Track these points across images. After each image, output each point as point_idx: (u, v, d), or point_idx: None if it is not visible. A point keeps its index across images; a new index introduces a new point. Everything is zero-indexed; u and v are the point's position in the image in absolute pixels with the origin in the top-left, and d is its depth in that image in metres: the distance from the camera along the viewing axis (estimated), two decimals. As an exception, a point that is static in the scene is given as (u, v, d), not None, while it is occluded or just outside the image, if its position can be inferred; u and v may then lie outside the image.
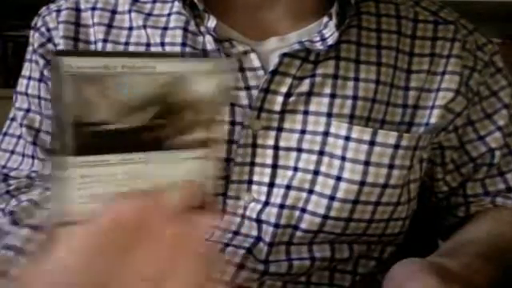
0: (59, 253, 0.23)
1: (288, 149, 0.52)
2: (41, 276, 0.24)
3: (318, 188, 0.52)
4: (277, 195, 0.52)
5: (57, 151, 0.23)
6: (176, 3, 0.55)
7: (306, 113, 0.52)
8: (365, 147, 0.51)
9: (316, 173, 0.52)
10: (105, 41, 0.55)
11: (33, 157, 0.57)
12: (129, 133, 0.24)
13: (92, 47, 0.55)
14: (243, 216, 0.53)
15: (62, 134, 0.22)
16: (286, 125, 0.52)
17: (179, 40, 0.53)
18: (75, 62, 0.21)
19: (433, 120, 0.55)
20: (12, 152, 0.59)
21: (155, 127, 0.24)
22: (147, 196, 0.23)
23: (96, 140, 0.23)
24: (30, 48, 0.59)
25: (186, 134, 0.25)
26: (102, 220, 0.23)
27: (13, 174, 0.58)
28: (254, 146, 0.52)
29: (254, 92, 0.52)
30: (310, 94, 0.52)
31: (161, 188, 0.24)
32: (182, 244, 0.24)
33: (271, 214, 0.52)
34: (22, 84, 0.59)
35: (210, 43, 0.53)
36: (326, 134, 0.52)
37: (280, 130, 0.52)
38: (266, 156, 0.52)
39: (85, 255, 0.23)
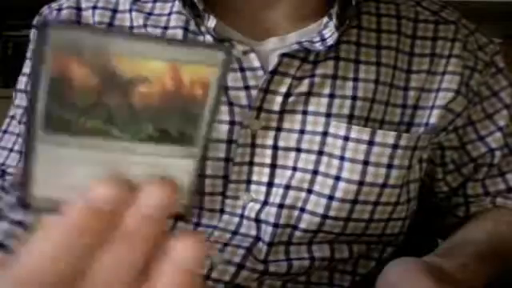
0: (28, 248, 0.22)
1: (287, 149, 0.52)
2: (9, 275, 0.23)
3: (316, 188, 0.52)
4: (276, 195, 0.52)
5: (28, 126, 0.22)
6: (176, 3, 0.55)
7: (305, 113, 0.52)
8: (363, 147, 0.51)
9: (315, 173, 0.52)
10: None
11: None
12: (109, 116, 0.22)
13: None
14: (242, 216, 0.53)
15: (35, 107, 0.21)
16: (285, 125, 0.52)
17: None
18: (62, 33, 0.20)
19: (433, 120, 0.55)
20: (11, 150, 0.59)
21: (134, 113, 0.22)
22: (124, 187, 0.22)
23: (70, 118, 0.22)
24: (31, 46, 0.59)
25: (171, 126, 0.23)
26: (73, 211, 0.22)
27: (10, 170, 0.58)
28: (253, 145, 0.52)
29: (254, 92, 0.52)
30: (309, 94, 0.52)
31: (138, 181, 0.23)
32: (157, 253, 0.23)
33: (270, 213, 0.52)
34: (21, 82, 0.60)
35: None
36: (325, 134, 0.52)
37: (279, 129, 0.52)
38: (265, 156, 0.52)
39: (54, 250, 0.22)
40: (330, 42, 0.51)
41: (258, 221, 0.53)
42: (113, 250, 0.22)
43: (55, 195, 0.23)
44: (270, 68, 0.51)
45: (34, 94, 0.21)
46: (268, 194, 0.52)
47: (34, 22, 0.59)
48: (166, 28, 0.54)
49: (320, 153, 0.52)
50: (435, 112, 0.55)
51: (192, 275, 0.23)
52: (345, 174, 0.51)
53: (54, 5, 0.58)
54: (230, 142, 0.52)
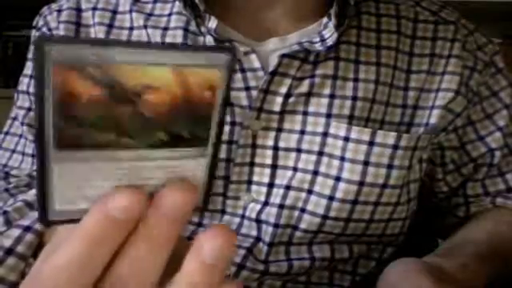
0: (47, 260, 0.22)
1: (287, 149, 0.52)
2: (30, 282, 0.23)
3: (317, 188, 0.52)
4: (276, 195, 0.52)
5: (39, 144, 0.21)
6: (177, 3, 0.55)
7: (305, 113, 0.52)
8: (364, 147, 0.51)
9: (315, 173, 0.52)
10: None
11: (33, 155, 0.57)
12: (119, 127, 0.22)
13: None
14: (243, 216, 0.53)
15: (43, 126, 0.21)
16: (286, 125, 0.52)
17: (180, 40, 0.53)
18: (62, 49, 0.20)
19: (432, 120, 0.55)
20: (13, 151, 0.59)
21: (145, 121, 0.22)
22: (140, 195, 0.22)
23: (81, 133, 0.21)
24: (32, 47, 0.59)
25: (182, 130, 0.23)
26: (90, 221, 0.22)
27: (14, 172, 0.58)
28: (254, 146, 0.52)
29: (254, 92, 0.52)
30: (309, 95, 0.52)
31: (156, 187, 0.23)
32: (180, 255, 0.23)
33: (271, 214, 0.52)
34: (23, 82, 0.59)
35: (210, 43, 0.53)
36: (325, 134, 0.52)
37: (279, 130, 0.52)
38: (266, 156, 0.52)
39: (71, 262, 0.22)
40: (329, 42, 0.51)
41: (258, 221, 0.53)
42: (135, 253, 0.22)
43: (75, 208, 0.23)
44: (271, 69, 0.51)
45: (41, 112, 0.21)
46: (269, 194, 0.52)
47: (34, 22, 0.59)
48: (166, 29, 0.54)
49: (320, 153, 0.52)
50: (435, 112, 0.55)
51: (219, 272, 0.22)
52: (345, 175, 0.51)
53: (54, 6, 0.58)
54: (230, 142, 0.52)
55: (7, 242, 0.46)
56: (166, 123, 0.23)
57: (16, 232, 0.47)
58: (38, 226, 0.47)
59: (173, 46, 0.22)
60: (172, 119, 0.23)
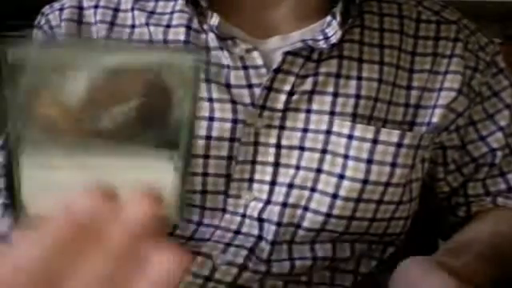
0: (4, 260, 0.22)
1: (290, 147, 0.52)
2: None
3: (320, 186, 0.52)
4: (279, 193, 0.52)
5: (5, 143, 0.21)
6: (179, 1, 0.55)
7: (308, 111, 0.52)
8: (368, 145, 0.51)
9: (318, 171, 0.52)
10: (107, 38, 0.55)
11: None
12: (83, 131, 0.22)
13: None
14: (244, 215, 0.53)
15: (9, 134, 0.21)
16: (289, 123, 0.52)
17: (182, 37, 0.53)
18: (24, 52, 0.20)
19: (435, 119, 0.55)
20: None
21: (114, 124, 0.22)
22: (106, 198, 0.22)
23: (49, 139, 0.21)
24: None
25: (152, 133, 0.23)
26: (51, 223, 0.22)
27: None
28: (256, 144, 0.52)
29: (257, 90, 0.52)
30: (312, 93, 0.52)
31: (123, 191, 0.22)
32: (135, 267, 0.23)
33: (273, 212, 0.52)
34: None
35: (212, 41, 0.53)
36: (328, 132, 0.52)
37: (282, 128, 0.52)
38: (268, 154, 0.52)
39: (29, 262, 0.22)
40: (333, 40, 0.51)
41: (260, 220, 0.52)
42: (90, 261, 0.22)
43: (46, 211, 0.23)
44: (274, 66, 0.51)
45: (5, 119, 0.21)
46: (271, 192, 0.52)
47: (36, 21, 0.59)
48: (168, 26, 0.54)
49: (323, 151, 0.52)
50: (437, 111, 0.55)
51: None
52: (349, 173, 0.51)
53: (56, 4, 0.58)
54: (232, 140, 0.52)
55: (3, 228, 0.46)
56: (134, 126, 0.22)
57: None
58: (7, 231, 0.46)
59: (138, 47, 0.22)
60: (140, 121, 0.22)
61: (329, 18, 0.53)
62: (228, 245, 0.52)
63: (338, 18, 0.51)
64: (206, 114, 0.51)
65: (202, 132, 0.51)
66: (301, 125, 0.52)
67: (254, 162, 0.52)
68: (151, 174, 0.23)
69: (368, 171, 0.51)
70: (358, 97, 0.52)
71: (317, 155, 0.52)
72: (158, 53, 0.22)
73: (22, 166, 0.22)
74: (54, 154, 0.22)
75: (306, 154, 0.52)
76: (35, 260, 0.21)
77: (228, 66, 0.52)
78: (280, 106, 0.52)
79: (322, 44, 0.51)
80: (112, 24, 0.56)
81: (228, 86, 0.52)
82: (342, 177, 0.51)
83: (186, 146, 0.23)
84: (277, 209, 0.52)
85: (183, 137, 0.23)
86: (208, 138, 0.51)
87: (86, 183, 0.22)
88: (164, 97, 0.22)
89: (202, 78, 0.51)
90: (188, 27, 0.54)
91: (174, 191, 0.24)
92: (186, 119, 0.23)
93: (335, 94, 0.52)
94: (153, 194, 0.22)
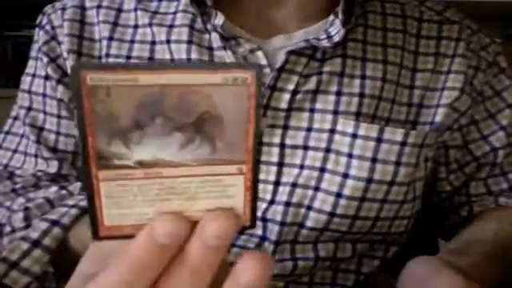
0: (82, 274, 0.24)
1: (294, 147, 0.52)
2: None
3: (324, 185, 0.52)
4: (282, 193, 0.52)
5: (84, 164, 0.23)
6: (182, 1, 0.55)
7: (312, 110, 0.52)
8: (372, 144, 0.51)
9: (322, 170, 0.52)
10: (110, 39, 0.55)
11: (36, 155, 0.57)
12: (157, 146, 0.23)
13: (97, 45, 0.56)
14: None
15: (87, 146, 0.22)
16: (292, 122, 0.52)
17: (185, 37, 0.53)
18: (97, 74, 0.21)
19: (438, 119, 0.55)
20: (15, 151, 0.59)
21: (184, 139, 0.23)
22: (186, 220, 0.23)
23: (123, 153, 0.23)
24: (35, 45, 0.59)
25: (214, 151, 0.24)
26: (137, 248, 0.23)
27: (18, 172, 0.57)
28: (260, 143, 0.52)
29: None
30: (316, 92, 0.52)
31: (200, 213, 0.24)
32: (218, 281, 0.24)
33: (277, 212, 0.52)
34: (25, 81, 0.59)
35: (216, 41, 0.53)
36: (332, 131, 0.52)
37: (286, 127, 0.52)
38: (272, 154, 0.52)
39: (120, 279, 0.23)
40: (336, 38, 0.51)
41: (264, 220, 0.52)
42: (177, 278, 0.24)
43: (123, 224, 0.24)
44: (278, 65, 0.51)
45: (83, 133, 0.22)
46: (275, 192, 0.52)
47: (38, 21, 0.59)
48: (171, 26, 0.54)
49: (327, 150, 0.52)
50: (440, 110, 0.55)
51: None
52: (353, 172, 0.51)
53: (58, 4, 0.58)
54: None
55: (34, 234, 0.47)
56: (201, 142, 0.24)
57: (43, 225, 0.48)
58: (64, 221, 0.48)
59: (201, 66, 0.22)
60: (205, 138, 0.24)
61: (332, 17, 0.53)
62: (231, 245, 0.52)
63: (341, 16, 0.51)
64: None
65: None
66: (305, 124, 0.52)
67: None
68: (223, 188, 0.24)
69: (372, 170, 0.51)
70: (361, 96, 0.52)
71: (321, 154, 0.52)
72: (218, 71, 0.23)
73: (100, 180, 0.23)
74: (130, 169, 0.23)
75: (310, 153, 0.52)
76: (123, 283, 0.23)
77: None
78: (284, 105, 0.52)
79: (326, 43, 0.51)
80: (115, 24, 0.56)
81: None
82: (346, 176, 0.51)
83: (254, 158, 0.24)
84: (280, 208, 0.52)
85: (250, 149, 0.24)
86: None
87: (163, 206, 0.24)
88: (222, 111, 0.23)
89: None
90: (191, 27, 0.54)
91: (246, 202, 0.25)
92: (251, 129, 0.24)
93: (339, 93, 0.52)
94: (228, 211, 0.24)
